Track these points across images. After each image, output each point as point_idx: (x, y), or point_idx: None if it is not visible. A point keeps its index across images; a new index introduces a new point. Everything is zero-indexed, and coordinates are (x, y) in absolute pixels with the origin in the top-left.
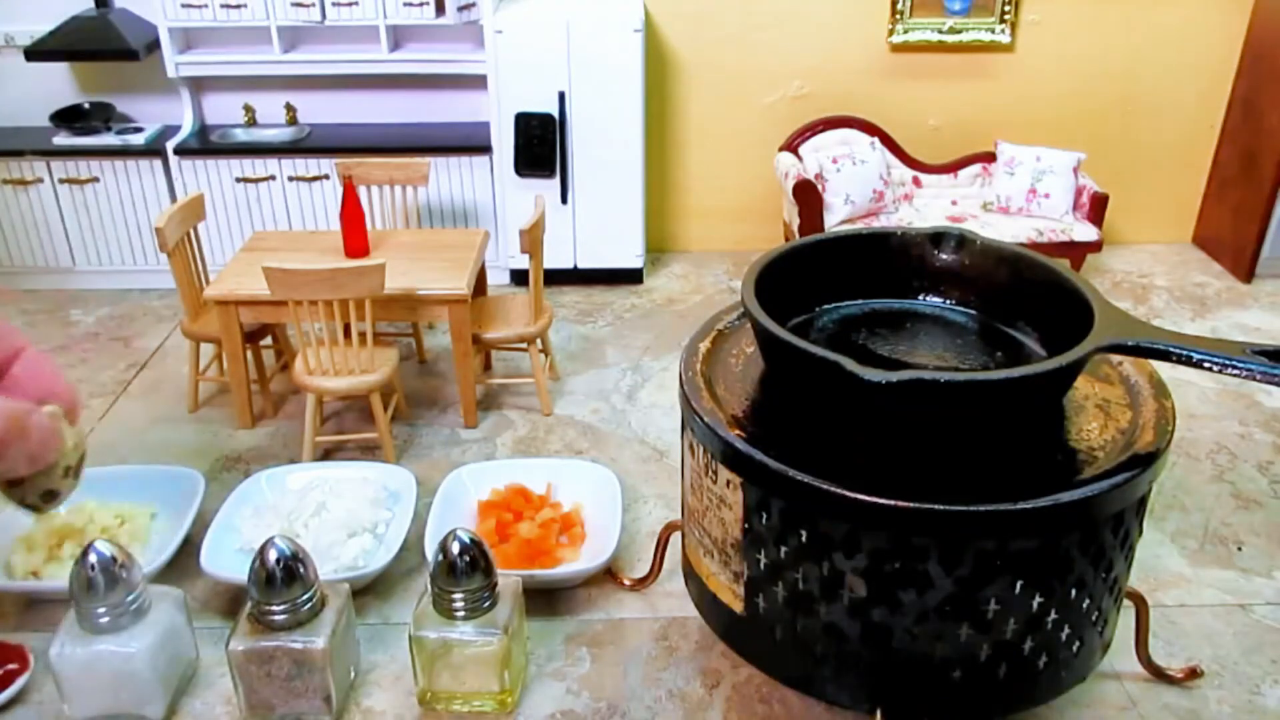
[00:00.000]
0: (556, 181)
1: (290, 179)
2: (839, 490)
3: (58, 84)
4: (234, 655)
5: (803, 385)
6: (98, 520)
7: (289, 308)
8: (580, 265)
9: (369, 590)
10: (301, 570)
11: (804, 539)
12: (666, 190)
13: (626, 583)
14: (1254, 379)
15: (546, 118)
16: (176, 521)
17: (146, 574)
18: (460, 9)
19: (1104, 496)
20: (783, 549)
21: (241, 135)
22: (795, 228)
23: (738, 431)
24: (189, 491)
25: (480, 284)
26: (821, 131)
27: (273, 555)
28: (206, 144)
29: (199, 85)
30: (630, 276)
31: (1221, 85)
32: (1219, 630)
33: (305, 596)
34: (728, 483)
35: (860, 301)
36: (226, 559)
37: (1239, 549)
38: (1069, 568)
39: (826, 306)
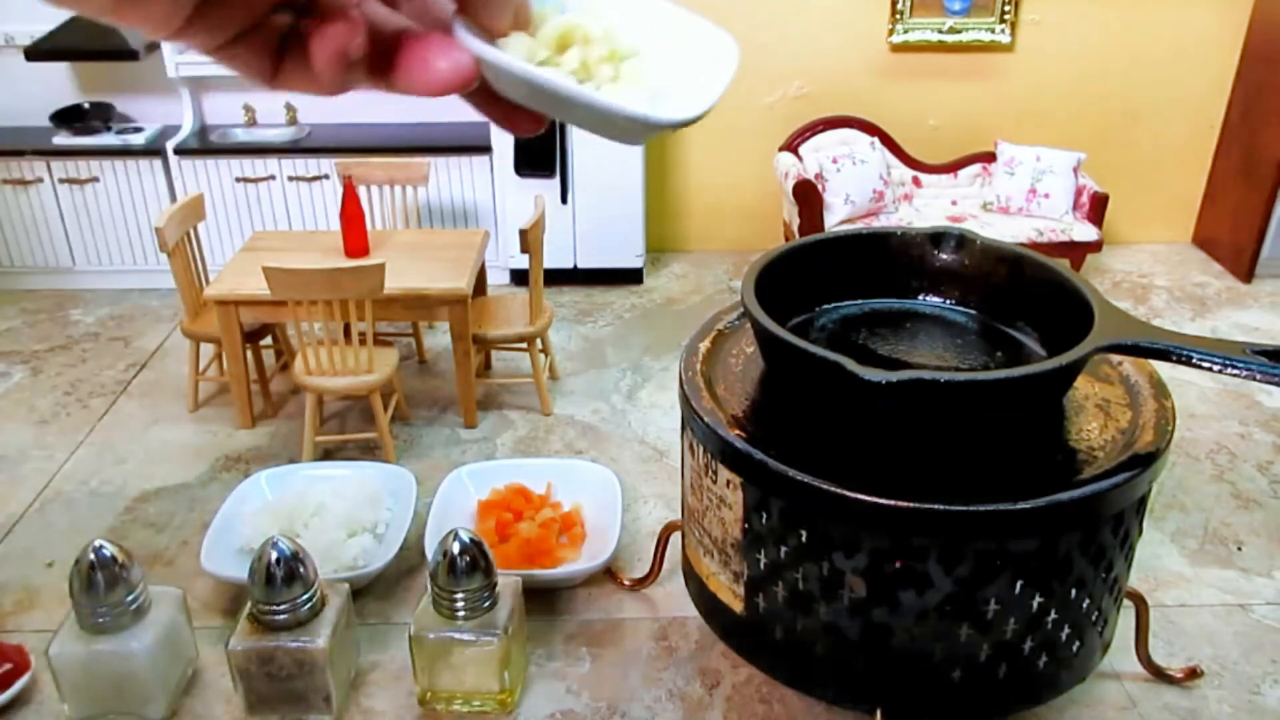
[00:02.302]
0: (556, 181)
1: (290, 179)
2: (839, 490)
3: (58, 84)
4: (234, 655)
5: (803, 385)
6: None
7: (289, 308)
8: (580, 265)
9: (369, 590)
10: (301, 570)
11: (804, 539)
12: (666, 190)
13: (626, 583)
14: (1254, 379)
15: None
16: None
17: None
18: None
19: (1104, 496)
20: (783, 549)
21: (241, 135)
22: (795, 228)
23: (738, 431)
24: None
25: (480, 284)
26: (821, 131)
27: (273, 555)
28: (206, 144)
29: (199, 85)
30: (630, 276)
31: (1221, 85)
32: (1219, 630)
33: (305, 596)
34: (728, 483)
35: (860, 301)
36: (226, 559)
37: (1239, 549)
38: (1069, 568)
39: (826, 306)
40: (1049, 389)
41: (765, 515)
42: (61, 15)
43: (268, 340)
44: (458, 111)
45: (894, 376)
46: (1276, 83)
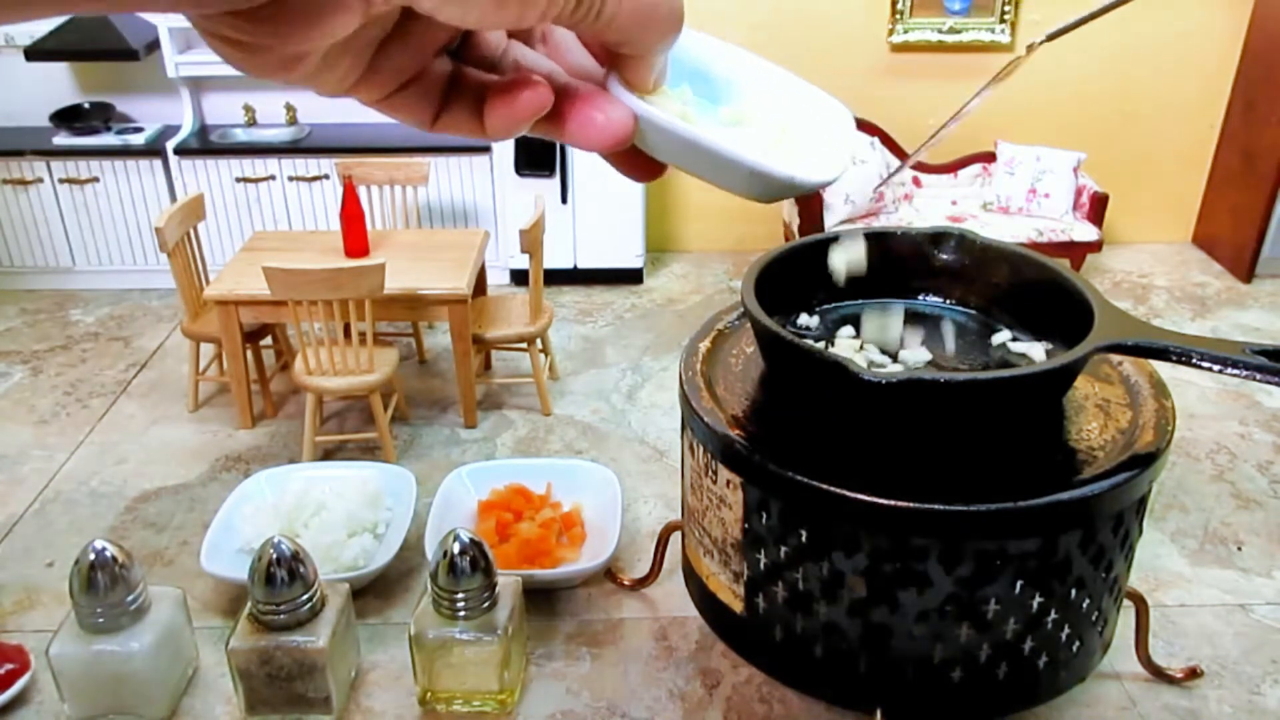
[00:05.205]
0: (556, 181)
1: (290, 179)
2: (839, 490)
3: (58, 84)
4: (234, 655)
5: (803, 385)
6: None
7: (289, 308)
8: (580, 265)
9: (369, 590)
10: (301, 570)
11: (804, 539)
12: (666, 190)
13: (626, 583)
14: (1254, 379)
15: None
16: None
17: None
18: None
19: (1104, 496)
20: (783, 549)
21: (241, 135)
22: (795, 228)
23: (738, 431)
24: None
25: (480, 284)
26: None
27: (273, 555)
28: (206, 144)
29: (199, 85)
30: (630, 276)
31: (1221, 85)
32: (1219, 630)
33: (305, 596)
34: (728, 483)
35: (860, 301)
36: (226, 559)
37: (1239, 549)
38: (1069, 568)
39: (826, 306)
40: (1049, 389)
41: (765, 515)
42: (61, 15)
43: (268, 340)
44: None
45: (894, 376)
46: (1276, 83)
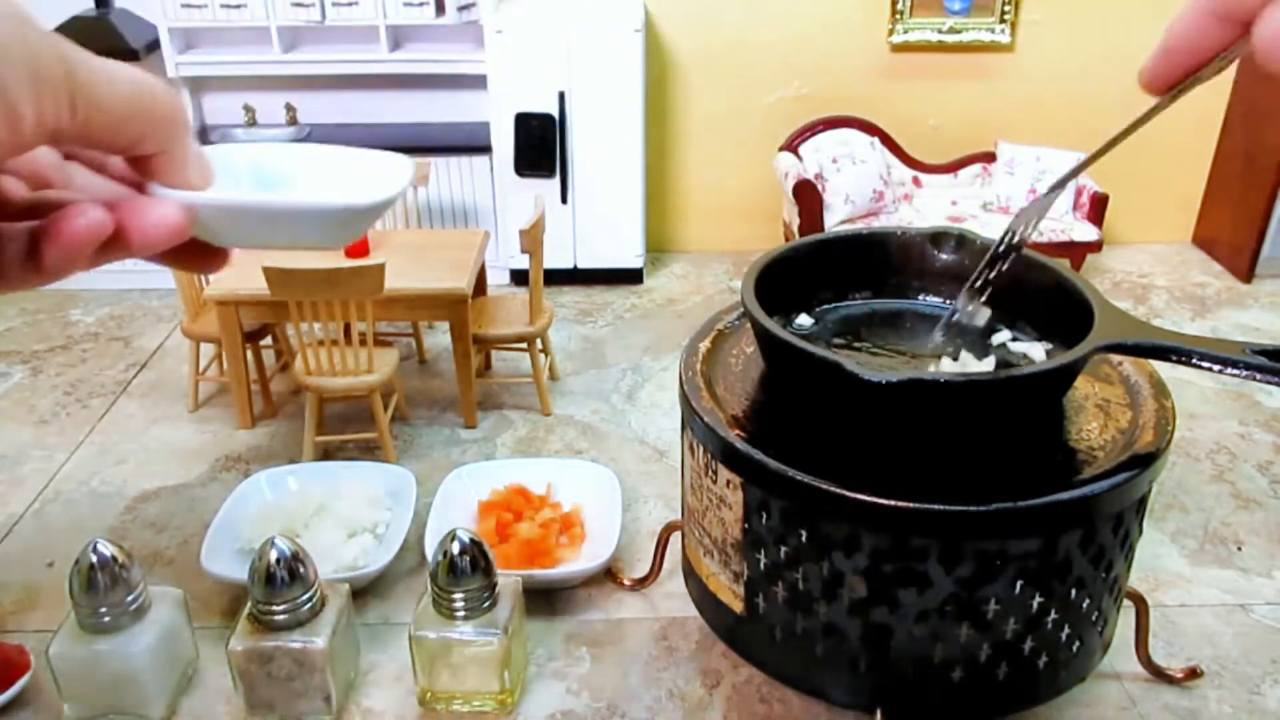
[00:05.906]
0: (556, 181)
1: None
2: (839, 490)
3: None
4: (234, 655)
5: (802, 385)
6: None
7: (289, 308)
8: (580, 265)
9: (369, 590)
10: (301, 570)
11: (804, 539)
12: (666, 190)
13: (626, 583)
14: (1254, 379)
15: (546, 118)
16: None
17: None
18: (460, 9)
19: (1104, 496)
20: (783, 549)
21: (241, 135)
22: (795, 228)
23: (738, 431)
24: None
25: (480, 284)
26: (821, 131)
27: (273, 555)
28: (206, 144)
29: (199, 85)
30: (630, 276)
31: (1222, 85)
32: (1219, 630)
33: (305, 596)
34: (728, 483)
35: (860, 301)
36: (226, 559)
37: (1239, 549)
38: (1069, 568)
39: (826, 307)
40: (1049, 389)
41: (765, 515)
42: (61, 15)
43: (268, 340)
44: (458, 111)
45: (894, 377)
46: (1277, 82)
